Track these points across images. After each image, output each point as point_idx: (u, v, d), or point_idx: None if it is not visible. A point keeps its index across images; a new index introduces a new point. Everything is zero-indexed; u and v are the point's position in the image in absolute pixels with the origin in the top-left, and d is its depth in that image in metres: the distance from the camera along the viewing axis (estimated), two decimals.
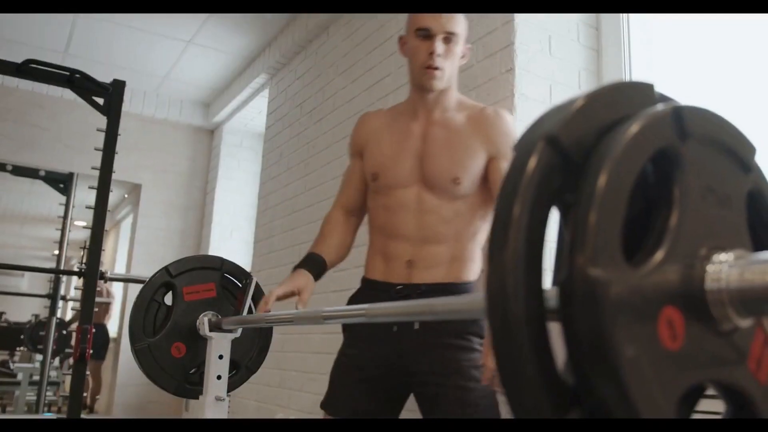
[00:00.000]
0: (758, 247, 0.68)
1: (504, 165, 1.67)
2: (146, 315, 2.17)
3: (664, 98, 0.68)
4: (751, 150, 0.69)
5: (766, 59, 2.08)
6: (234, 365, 2.15)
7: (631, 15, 2.60)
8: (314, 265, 1.83)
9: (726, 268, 0.59)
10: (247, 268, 4.95)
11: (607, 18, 2.70)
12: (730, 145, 0.66)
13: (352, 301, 1.84)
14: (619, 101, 0.63)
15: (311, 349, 3.77)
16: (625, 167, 0.56)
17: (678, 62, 2.47)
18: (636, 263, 0.56)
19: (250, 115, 5.82)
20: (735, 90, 2.13)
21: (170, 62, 5.30)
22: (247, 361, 2.24)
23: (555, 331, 0.57)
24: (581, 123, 0.59)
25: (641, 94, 0.65)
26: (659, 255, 0.58)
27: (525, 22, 2.60)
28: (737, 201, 0.67)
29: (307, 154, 4.29)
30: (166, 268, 2.21)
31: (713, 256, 0.61)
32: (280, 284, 1.75)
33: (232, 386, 2.13)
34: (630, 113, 0.62)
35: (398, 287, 1.73)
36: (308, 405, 3.62)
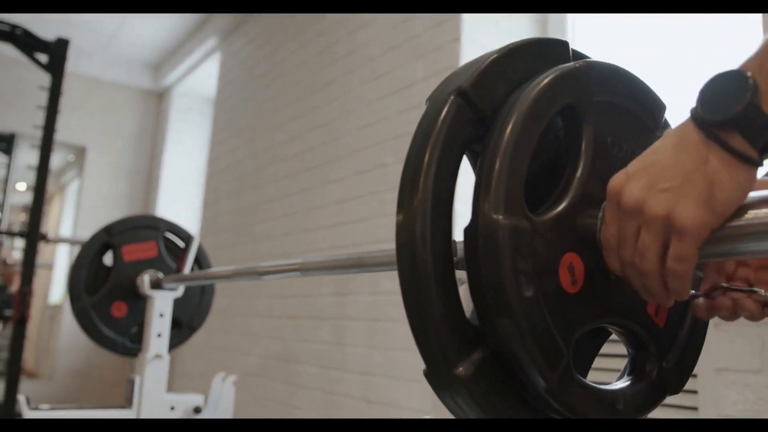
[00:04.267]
0: None
1: None
2: (87, 275, 2.16)
3: (579, 56, 0.70)
4: (660, 108, 0.71)
5: (702, 59, 2.15)
6: (176, 323, 2.17)
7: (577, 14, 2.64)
8: None
9: None
10: (194, 232, 4.92)
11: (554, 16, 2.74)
12: (639, 103, 0.69)
13: None
14: (533, 58, 0.65)
15: (256, 313, 3.79)
16: (530, 121, 0.59)
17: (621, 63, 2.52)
18: (540, 213, 0.59)
19: (200, 79, 5.72)
20: (677, 90, 2.19)
21: (118, 21, 5.17)
22: (188, 319, 2.25)
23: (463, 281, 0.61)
24: (492, 77, 0.61)
25: (556, 51, 0.67)
26: (564, 204, 0.61)
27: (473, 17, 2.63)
28: None
29: (256, 119, 4.27)
30: (105, 228, 2.20)
31: None
32: None
33: (172, 345, 2.15)
34: (543, 69, 0.64)
35: None
36: (253, 368, 3.65)
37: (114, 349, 2.18)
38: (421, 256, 0.56)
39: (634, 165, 0.57)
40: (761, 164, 0.52)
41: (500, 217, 0.55)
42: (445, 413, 0.65)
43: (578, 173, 0.63)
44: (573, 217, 0.61)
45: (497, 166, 0.56)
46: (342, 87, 3.32)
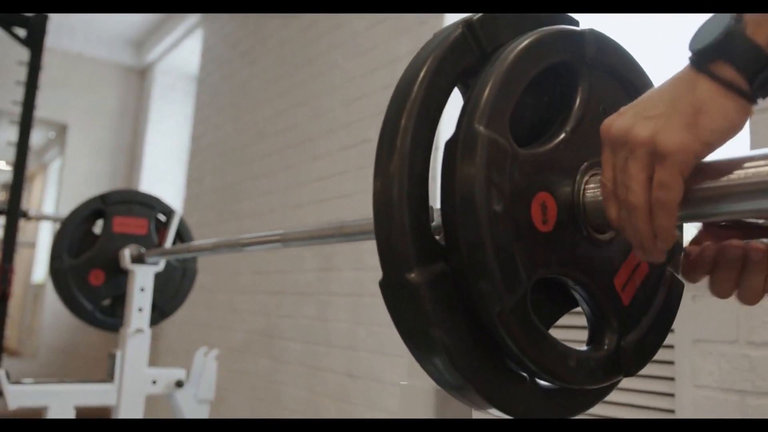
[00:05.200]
0: None
1: None
2: (72, 237, 2.14)
3: None
4: (649, 85, 0.72)
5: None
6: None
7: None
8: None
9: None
10: (178, 210, 4.90)
11: None
12: (630, 79, 0.70)
13: None
14: (542, 23, 0.67)
15: (239, 289, 3.79)
16: (526, 58, 0.60)
17: None
18: (524, 148, 0.60)
19: (183, 56, 5.67)
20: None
21: None
22: (162, 303, 2.23)
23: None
24: (500, 23, 0.64)
25: (568, 23, 0.70)
26: (548, 146, 0.62)
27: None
28: None
29: (240, 96, 4.24)
30: (101, 195, 2.18)
31: (597, 170, 0.64)
32: None
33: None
34: None
35: None
36: (237, 344, 3.65)
37: (83, 317, 2.14)
38: (398, 221, 0.56)
39: (626, 105, 0.58)
40: (754, 99, 0.51)
41: (482, 128, 0.56)
42: (423, 377, 0.64)
43: (567, 126, 0.64)
44: (554, 162, 0.62)
45: (488, 87, 0.58)
46: (326, 63, 3.30)
